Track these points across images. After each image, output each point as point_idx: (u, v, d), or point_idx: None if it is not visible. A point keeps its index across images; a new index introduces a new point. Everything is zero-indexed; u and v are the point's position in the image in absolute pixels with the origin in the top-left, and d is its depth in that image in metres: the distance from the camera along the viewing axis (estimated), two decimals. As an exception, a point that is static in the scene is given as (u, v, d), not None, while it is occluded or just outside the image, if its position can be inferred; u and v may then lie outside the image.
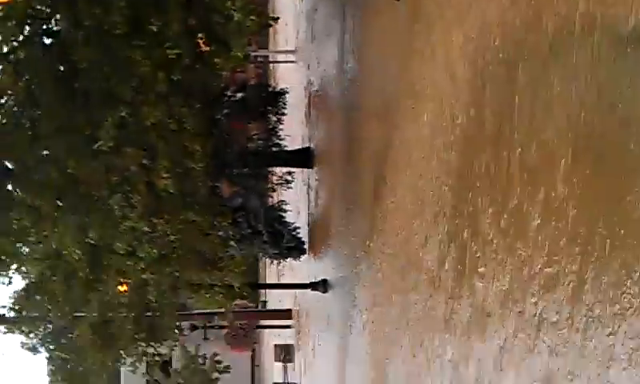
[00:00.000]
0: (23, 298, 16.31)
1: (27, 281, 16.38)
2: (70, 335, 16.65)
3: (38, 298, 15.82)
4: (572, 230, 6.05)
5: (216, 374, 32.72)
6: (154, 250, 14.58)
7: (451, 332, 8.95)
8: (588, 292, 5.76)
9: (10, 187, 14.33)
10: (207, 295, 16.78)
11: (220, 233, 16.34)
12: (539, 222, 6.62)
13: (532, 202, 6.76)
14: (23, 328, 16.55)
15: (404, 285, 11.59)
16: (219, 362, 32.62)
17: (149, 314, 16.45)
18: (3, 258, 14.94)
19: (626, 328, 5.25)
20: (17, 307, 16.44)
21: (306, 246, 22.52)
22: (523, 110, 7.10)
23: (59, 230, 13.78)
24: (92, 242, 13.98)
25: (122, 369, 39.31)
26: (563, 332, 6.11)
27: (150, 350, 17.27)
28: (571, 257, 6.01)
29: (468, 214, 8.52)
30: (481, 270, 8.01)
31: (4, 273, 15.64)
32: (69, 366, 17.45)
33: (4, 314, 16.62)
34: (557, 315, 6.22)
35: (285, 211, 22.43)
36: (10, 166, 14.29)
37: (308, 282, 21.34)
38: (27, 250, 15.15)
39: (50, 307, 15.95)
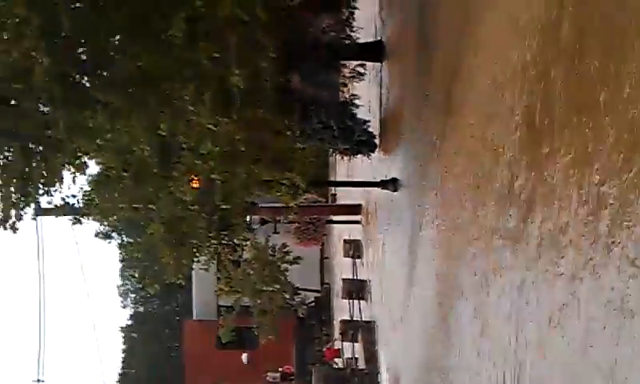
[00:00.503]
0: (94, 187, 16.51)
1: (100, 170, 16.56)
2: (143, 231, 16.86)
3: (107, 190, 16.01)
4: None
5: (285, 265, 33.19)
6: (223, 149, 14.55)
7: (521, 247, 8.74)
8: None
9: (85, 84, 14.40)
10: (277, 193, 16.80)
11: (289, 132, 16.24)
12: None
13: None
14: (97, 215, 16.83)
15: (476, 189, 11.37)
16: (288, 253, 33.06)
17: (220, 210, 16.52)
18: (80, 154, 15.12)
19: None
20: (88, 197, 16.63)
21: (376, 142, 22.31)
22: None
23: (132, 124, 13.83)
24: (162, 134, 14.01)
25: (194, 274, 40.15)
26: None
27: (222, 248, 17.46)
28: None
29: (549, 122, 8.19)
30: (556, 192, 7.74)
31: (78, 163, 15.82)
32: (142, 264, 17.71)
33: (74, 204, 16.88)
34: None
35: (356, 106, 22.16)
36: (84, 59, 14.32)
37: (378, 180, 21.21)
38: (101, 143, 15.27)
39: (119, 199, 16.15)
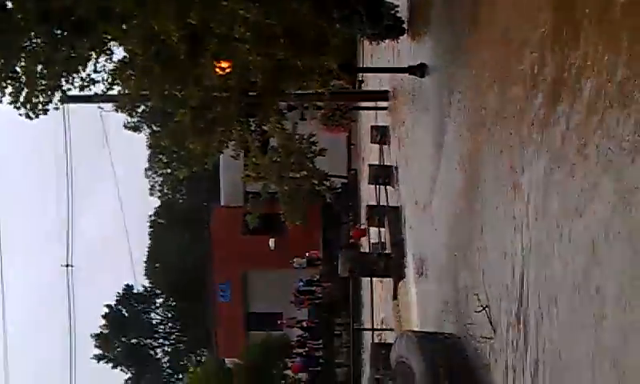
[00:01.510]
0: (120, 72, 16.50)
1: (125, 54, 16.53)
2: (171, 119, 16.89)
3: (133, 75, 15.99)
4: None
5: (311, 155, 33.39)
6: (251, 33, 14.50)
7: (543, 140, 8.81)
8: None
9: None
10: (305, 81, 16.75)
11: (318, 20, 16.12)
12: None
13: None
14: (126, 105, 16.88)
15: (504, 76, 11.38)
16: (315, 143, 33.22)
17: (250, 96, 16.54)
18: (106, 38, 15.12)
19: None
20: (114, 80, 16.61)
21: (405, 27, 22.15)
22: None
23: (160, 11, 13.80)
24: (192, 22, 13.99)
25: (221, 161, 40.34)
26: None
27: (249, 134, 17.48)
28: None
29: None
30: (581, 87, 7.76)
31: (105, 48, 15.84)
32: (170, 150, 17.79)
33: (101, 86, 16.89)
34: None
35: (385, -10, 21.93)
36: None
37: (406, 66, 21.14)
38: (128, 29, 15.25)
39: (146, 85, 16.16)
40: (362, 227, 33.59)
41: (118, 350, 69.46)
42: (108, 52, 16.39)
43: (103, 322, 69.07)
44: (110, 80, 16.21)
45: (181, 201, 71.60)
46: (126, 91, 16.55)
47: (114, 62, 16.15)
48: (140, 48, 15.46)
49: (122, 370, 70.59)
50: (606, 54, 7.28)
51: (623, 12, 6.98)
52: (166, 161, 27.81)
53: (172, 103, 16.61)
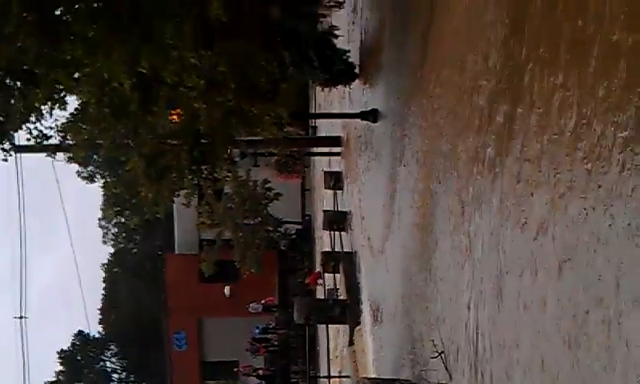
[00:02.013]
0: (72, 124, 16.35)
1: (77, 104, 16.38)
2: (123, 167, 16.75)
3: (85, 126, 15.86)
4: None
5: (266, 201, 33.32)
6: (202, 81, 14.48)
7: (497, 178, 8.84)
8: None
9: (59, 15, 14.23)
10: (259, 128, 16.73)
11: (271, 64, 16.15)
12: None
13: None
14: (78, 155, 16.72)
15: (455, 122, 11.45)
16: (270, 189, 33.18)
17: (201, 143, 16.46)
18: (58, 88, 14.98)
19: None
20: (64, 132, 16.45)
21: (357, 72, 22.30)
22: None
23: (111, 59, 13.73)
24: (143, 70, 13.94)
25: (175, 208, 40.16)
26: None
27: (203, 182, 17.40)
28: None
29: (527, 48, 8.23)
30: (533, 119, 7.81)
31: (57, 98, 15.69)
32: (123, 199, 17.61)
33: (54, 139, 16.71)
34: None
35: (336, 37, 22.09)
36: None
37: (358, 112, 21.23)
38: (80, 77, 15.12)
39: (98, 135, 16.04)
40: (317, 271, 33.52)
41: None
42: (61, 102, 16.22)
43: (58, 368, 67.99)
44: (62, 132, 16.05)
45: (134, 249, 71.00)
46: (78, 143, 16.39)
47: (67, 114, 15.99)
48: (92, 96, 15.32)
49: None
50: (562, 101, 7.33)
51: (572, 54, 7.05)
52: (118, 209, 27.51)
53: (124, 152, 16.47)
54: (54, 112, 15.93)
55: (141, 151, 16.01)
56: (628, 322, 5.54)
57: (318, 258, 31.86)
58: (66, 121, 16.33)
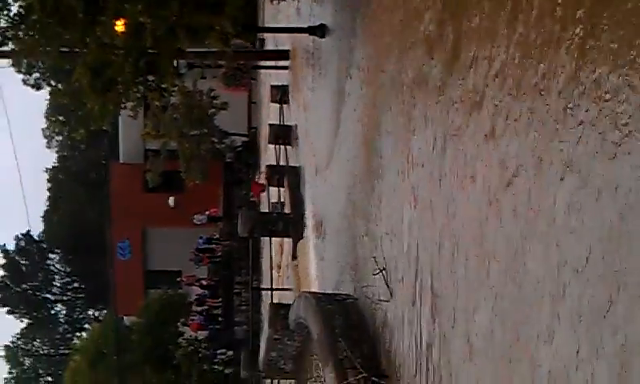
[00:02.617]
0: (15, 29, 16.00)
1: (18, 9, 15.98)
2: (70, 77, 16.48)
3: (29, 33, 15.52)
4: None
5: (213, 110, 33.13)
6: None
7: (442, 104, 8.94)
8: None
9: None
10: (206, 40, 16.54)
11: None
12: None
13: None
14: (22, 64, 16.43)
15: (401, 38, 11.48)
16: (216, 98, 32.96)
17: (147, 54, 16.26)
18: None
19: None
20: (7, 36, 16.10)
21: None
22: None
23: None
24: None
25: (120, 118, 39.76)
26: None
27: (149, 93, 17.22)
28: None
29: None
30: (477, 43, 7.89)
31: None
32: (68, 108, 17.30)
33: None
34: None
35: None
36: None
37: (306, 26, 21.10)
38: None
39: (43, 43, 15.73)
40: (261, 182, 33.61)
41: (15, 297, 68.16)
42: (2, 6, 15.88)
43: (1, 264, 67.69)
44: (3, 36, 15.70)
45: (79, 157, 70.21)
46: (20, 49, 16.08)
47: (9, 18, 15.61)
48: (37, 2, 14.97)
49: (17, 317, 69.47)
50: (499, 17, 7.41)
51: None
52: (63, 120, 27.11)
53: (69, 61, 16.20)
54: None
55: (86, 61, 15.77)
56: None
57: (263, 171, 31.91)
58: (7, 25, 15.97)
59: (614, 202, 5.17)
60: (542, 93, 6.33)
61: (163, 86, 17.95)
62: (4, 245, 67.70)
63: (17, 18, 16.01)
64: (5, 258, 67.82)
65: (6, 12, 15.99)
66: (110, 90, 15.96)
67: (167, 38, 15.46)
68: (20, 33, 15.70)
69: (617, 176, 5.17)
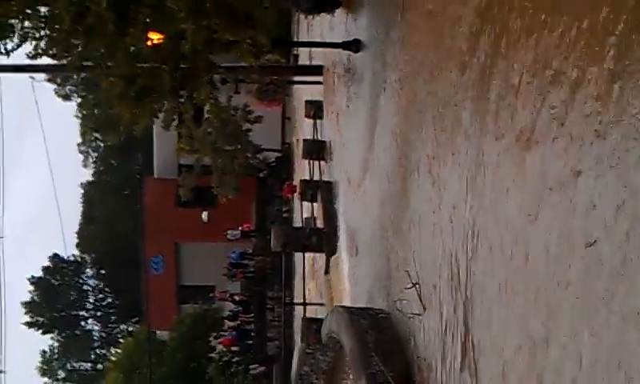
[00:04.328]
0: (48, 45, 15.97)
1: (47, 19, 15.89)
2: (100, 88, 16.45)
3: (60, 46, 15.45)
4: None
5: (247, 125, 33.17)
6: (188, 4, 14.17)
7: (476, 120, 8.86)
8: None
9: None
10: (238, 53, 16.52)
11: None
12: None
13: None
14: (57, 77, 16.51)
15: (437, 54, 11.42)
16: (250, 113, 33.00)
17: (182, 67, 16.24)
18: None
19: None
20: (38, 51, 16.06)
21: (340, 0, 22.10)
22: None
23: None
24: None
25: (155, 133, 39.97)
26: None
27: (183, 106, 17.20)
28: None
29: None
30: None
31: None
32: (99, 116, 17.26)
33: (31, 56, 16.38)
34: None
35: (320, -36, 21.82)
36: None
37: (340, 41, 21.09)
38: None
39: (74, 55, 15.71)
40: (294, 184, 33.61)
41: (48, 317, 68.69)
42: (36, 18, 15.85)
43: (32, 288, 68.26)
44: (36, 51, 15.69)
45: (114, 173, 70.71)
46: (56, 62, 16.13)
47: (39, 32, 15.56)
48: (66, 12, 14.87)
49: (52, 337, 70.00)
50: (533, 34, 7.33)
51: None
52: (93, 128, 27.14)
53: (99, 73, 16.15)
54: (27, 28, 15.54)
55: (114, 72, 15.73)
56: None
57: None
58: (38, 37, 15.90)
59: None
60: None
61: (197, 98, 17.93)
62: (32, 276, 68.31)
63: (46, 34, 15.88)
64: (35, 283, 68.41)
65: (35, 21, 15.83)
66: (144, 99, 15.96)
67: (204, 48, 15.41)
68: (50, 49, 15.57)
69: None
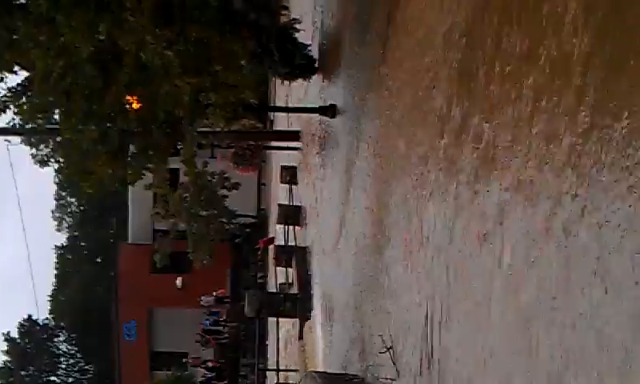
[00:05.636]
0: (20, 94, 15.75)
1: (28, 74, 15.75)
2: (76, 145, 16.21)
3: (36, 100, 15.28)
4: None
5: (224, 191, 33.09)
6: (163, 59, 14.09)
7: (455, 178, 8.86)
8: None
9: None
10: (212, 115, 16.46)
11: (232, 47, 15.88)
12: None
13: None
14: (32, 140, 16.33)
15: (411, 118, 11.47)
16: (227, 179, 32.95)
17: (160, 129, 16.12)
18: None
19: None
20: (10, 103, 15.85)
21: (317, 66, 22.26)
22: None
23: (72, 26, 13.36)
24: (101, 38, 13.58)
25: (130, 199, 39.78)
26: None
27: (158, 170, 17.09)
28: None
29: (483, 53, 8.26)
30: (486, 119, 7.84)
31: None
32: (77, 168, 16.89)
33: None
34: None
35: (297, 30, 22.02)
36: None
37: (317, 106, 21.20)
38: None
39: (50, 111, 15.58)
40: (271, 236, 33.51)
41: (19, 382, 67.62)
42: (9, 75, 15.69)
43: (4, 349, 67.34)
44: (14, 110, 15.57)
45: (88, 237, 70.32)
46: (31, 124, 15.97)
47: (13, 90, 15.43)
48: (44, 63, 14.67)
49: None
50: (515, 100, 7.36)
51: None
52: (67, 187, 26.89)
53: (77, 131, 15.94)
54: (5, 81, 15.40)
55: (96, 129, 15.53)
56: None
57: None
58: (11, 96, 15.73)
59: None
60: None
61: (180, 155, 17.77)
62: (8, 332, 67.44)
63: (21, 88, 15.71)
64: (8, 343, 67.50)
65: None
66: (119, 157, 15.83)
67: (189, 104, 15.26)
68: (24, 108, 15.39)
69: None
